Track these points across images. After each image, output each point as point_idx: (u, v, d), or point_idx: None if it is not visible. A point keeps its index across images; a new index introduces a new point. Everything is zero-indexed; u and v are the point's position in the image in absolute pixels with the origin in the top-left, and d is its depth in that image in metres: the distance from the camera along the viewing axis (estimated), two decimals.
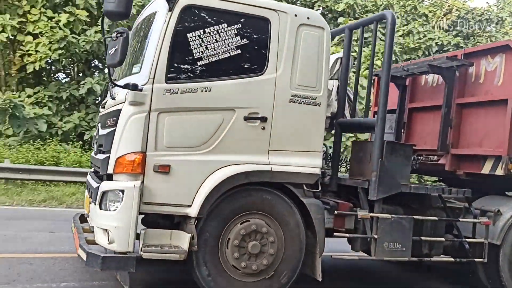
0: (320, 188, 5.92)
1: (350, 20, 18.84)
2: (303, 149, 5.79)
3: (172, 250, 5.23)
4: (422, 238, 6.37)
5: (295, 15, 5.75)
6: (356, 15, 20.37)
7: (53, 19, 18.95)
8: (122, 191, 5.13)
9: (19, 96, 18.35)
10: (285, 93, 5.67)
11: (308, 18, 5.83)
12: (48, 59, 19.01)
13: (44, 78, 21.38)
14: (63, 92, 19.29)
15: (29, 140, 17.08)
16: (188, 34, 5.34)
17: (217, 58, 5.44)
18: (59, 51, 18.45)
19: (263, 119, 5.55)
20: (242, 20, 5.56)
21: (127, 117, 5.21)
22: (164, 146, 5.25)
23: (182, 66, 5.37)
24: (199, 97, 5.34)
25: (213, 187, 5.31)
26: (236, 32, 5.51)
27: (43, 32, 18.59)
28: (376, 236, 6.05)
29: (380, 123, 6.02)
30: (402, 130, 7.97)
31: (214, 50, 5.42)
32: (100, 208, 5.32)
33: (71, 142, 17.77)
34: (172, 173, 5.27)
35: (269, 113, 5.59)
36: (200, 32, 5.38)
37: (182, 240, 5.29)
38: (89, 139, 18.36)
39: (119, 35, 4.95)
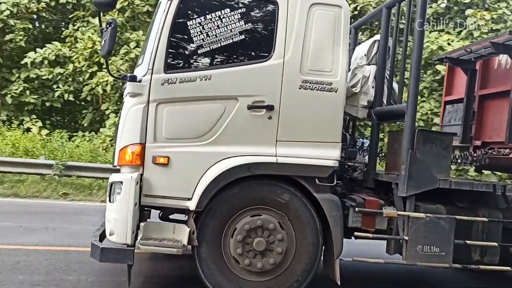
0: (335, 182, 5.37)
1: (478, 11, 17.25)
2: (317, 139, 5.30)
3: (170, 244, 5.06)
4: (467, 242, 5.52)
5: None
6: (486, 5, 18.61)
7: None
8: (122, 183, 5.09)
9: None
10: (295, 79, 5.24)
11: None
12: None
13: None
14: None
15: None
16: (188, 22, 5.16)
17: (219, 45, 5.19)
18: None
19: (269, 108, 5.18)
20: (246, 3, 5.27)
21: (127, 109, 5.18)
22: (163, 138, 5.12)
23: (181, 55, 5.23)
24: (198, 86, 5.12)
25: (212, 179, 5.06)
26: (239, 16, 5.22)
27: None
28: (406, 238, 5.37)
29: (410, 108, 5.35)
30: (472, 120, 7.03)
31: (216, 37, 5.17)
32: (109, 200, 5.33)
33: None
34: (171, 165, 5.11)
35: (276, 101, 5.20)
36: (201, 19, 5.17)
37: (182, 234, 5.11)
38: None
39: (108, 25, 4.94)
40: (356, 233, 5.46)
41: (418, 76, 5.39)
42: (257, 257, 5.24)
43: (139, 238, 5.07)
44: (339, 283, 5.32)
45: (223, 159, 5.13)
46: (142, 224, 5.14)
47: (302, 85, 5.25)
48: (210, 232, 5.20)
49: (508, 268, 5.72)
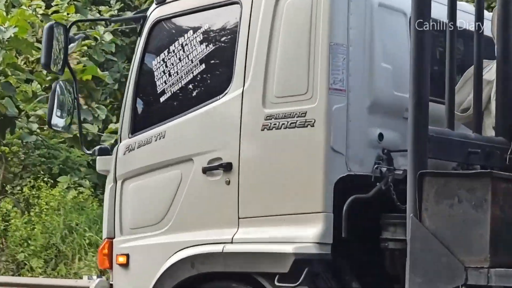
0: (299, 281, 2.92)
1: None
2: (285, 211, 3.12)
3: None
4: None
5: None
6: None
7: None
8: None
9: None
10: (256, 116, 3.24)
11: None
12: None
13: None
14: None
15: None
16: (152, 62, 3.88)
17: (179, 85, 3.68)
18: None
19: (227, 168, 3.29)
20: (208, 16, 3.66)
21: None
22: (128, 228, 3.90)
23: (143, 111, 4.04)
24: (153, 148, 3.75)
25: (154, 283, 3.54)
26: (201, 38, 3.57)
27: None
28: None
29: None
30: None
31: (177, 74, 3.67)
32: None
33: None
34: (130, 264, 3.84)
35: (234, 157, 3.28)
36: (164, 54, 3.77)
37: None
38: None
39: None
40: None
41: None
42: None
43: None
44: None
45: (176, 252, 3.48)
46: None
47: (266, 124, 3.18)
48: None
49: None
